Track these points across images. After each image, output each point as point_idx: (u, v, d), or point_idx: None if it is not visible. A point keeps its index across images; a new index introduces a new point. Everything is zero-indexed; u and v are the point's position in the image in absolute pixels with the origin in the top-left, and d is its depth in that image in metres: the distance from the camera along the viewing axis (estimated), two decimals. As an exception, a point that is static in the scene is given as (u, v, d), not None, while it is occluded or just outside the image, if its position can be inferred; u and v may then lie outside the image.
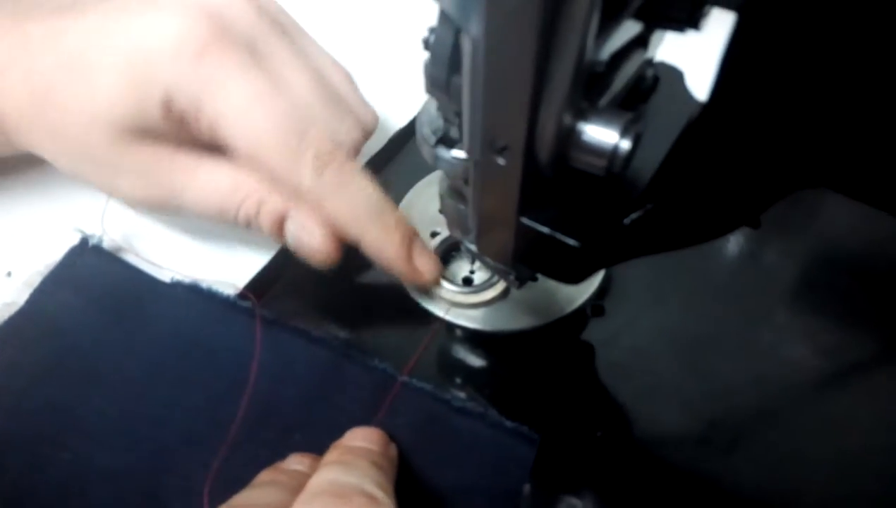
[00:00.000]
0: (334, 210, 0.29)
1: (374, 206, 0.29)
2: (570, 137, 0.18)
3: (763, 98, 0.17)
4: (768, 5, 0.15)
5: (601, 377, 0.31)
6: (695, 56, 0.27)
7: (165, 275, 0.33)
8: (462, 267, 0.34)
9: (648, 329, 0.32)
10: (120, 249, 0.34)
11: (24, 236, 0.35)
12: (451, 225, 0.29)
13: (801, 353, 0.31)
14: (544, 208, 0.21)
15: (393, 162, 0.39)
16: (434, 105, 0.25)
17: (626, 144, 0.18)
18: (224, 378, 0.29)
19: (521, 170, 0.19)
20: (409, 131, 0.40)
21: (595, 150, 0.18)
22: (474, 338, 0.33)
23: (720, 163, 0.20)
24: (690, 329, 0.32)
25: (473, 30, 0.17)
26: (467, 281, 0.33)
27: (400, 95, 0.42)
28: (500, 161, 0.19)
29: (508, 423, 0.28)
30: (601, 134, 0.18)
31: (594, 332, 0.32)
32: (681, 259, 0.34)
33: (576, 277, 0.22)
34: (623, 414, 0.30)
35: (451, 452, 0.28)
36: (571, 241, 0.21)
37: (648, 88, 0.23)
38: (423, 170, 0.37)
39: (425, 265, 0.31)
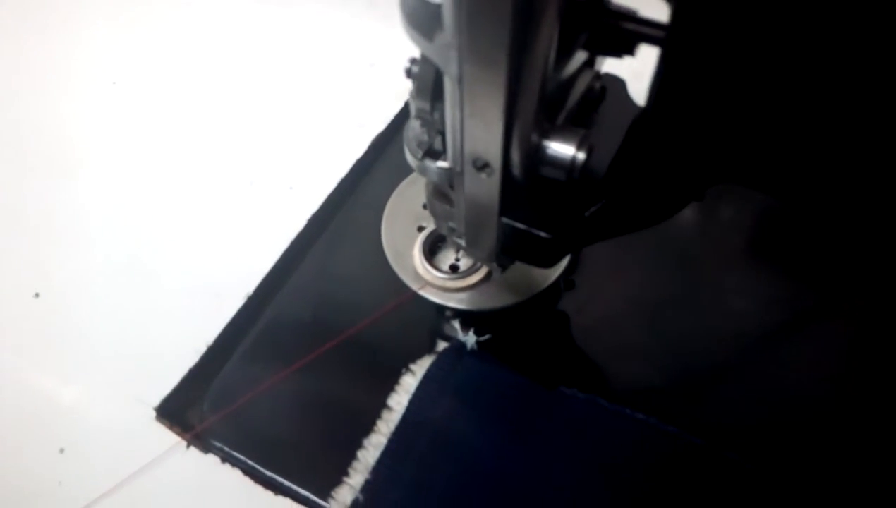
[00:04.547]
0: None
1: None
2: (536, 153, 0.23)
3: (690, 107, 0.22)
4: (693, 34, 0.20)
5: (576, 341, 0.36)
6: (633, 65, 0.32)
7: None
8: (448, 257, 0.38)
9: (613, 296, 0.36)
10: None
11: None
12: (438, 222, 0.34)
13: (745, 306, 0.36)
14: (520, 209, 0.25)
15: (377, 163, 0.43)
16: (418, 123, 0.29)
17: (581, 155, 0.23)
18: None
19: (500, 182, 0.23)
20: (388, 135, 0.44)
21: (557, 162, 0.23)
22: (463, 317, 0.37)
23: (657, 157, 0.24)
24: (649, 293, 0.37)
25: (452, 73, 0.22)
26: (454, 268, 0.38)
27: (377, 102, 0.46)
28: (483, 176, 0.23)
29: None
30: (561, 148, 0.23)
31: (568, 303, 0.37)
32: (638, 233, 0.39)
33: (549, 262, 0.27)
34: (596, 371, 0.35)
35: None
36: (544, 234, 0.25)
37: (597, 98, 0.28)
38: (405, 170, 0.41)
39: None
